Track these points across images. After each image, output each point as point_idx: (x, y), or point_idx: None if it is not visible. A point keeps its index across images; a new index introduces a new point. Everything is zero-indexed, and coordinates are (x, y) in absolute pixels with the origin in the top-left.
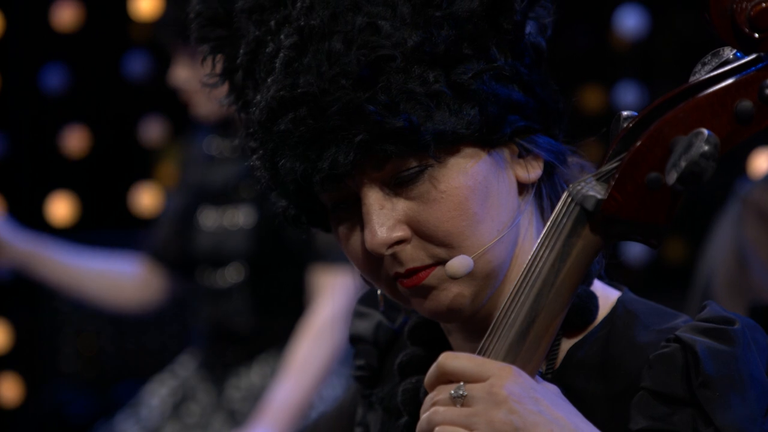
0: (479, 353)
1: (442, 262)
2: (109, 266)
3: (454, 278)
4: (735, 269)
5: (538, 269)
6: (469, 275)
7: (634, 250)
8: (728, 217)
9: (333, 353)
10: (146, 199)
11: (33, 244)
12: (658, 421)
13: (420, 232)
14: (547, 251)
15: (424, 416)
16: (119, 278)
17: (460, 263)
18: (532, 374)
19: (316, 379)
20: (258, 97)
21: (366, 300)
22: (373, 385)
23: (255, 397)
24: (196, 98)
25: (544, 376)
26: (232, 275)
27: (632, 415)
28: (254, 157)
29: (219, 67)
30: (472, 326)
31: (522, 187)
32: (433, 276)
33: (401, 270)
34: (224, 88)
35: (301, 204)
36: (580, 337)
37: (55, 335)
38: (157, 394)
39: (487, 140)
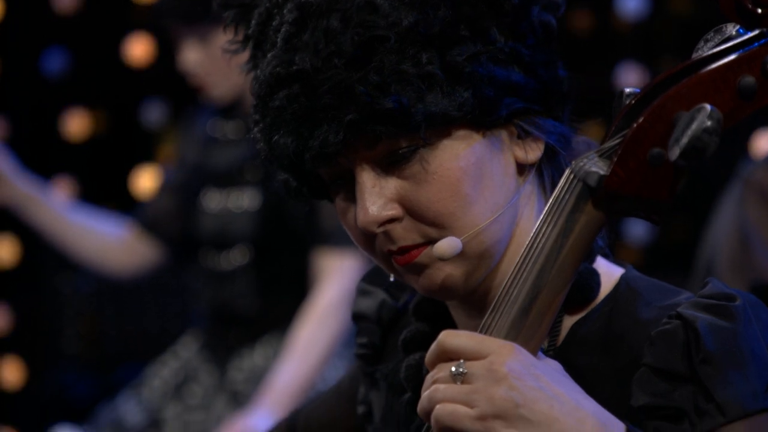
0: (481, 330)
1: (434, 241)
2: (98, 226)
3: (442, 259)
4: (737, 249)
5: (540, 245)
6: (461, 255)
7: (637, 231)
8: (731, 198)
9: (336, 336)
10: (147, 182)
11: (33, 188)
12: (659, 397)
13: (411, 212)
14: (550, 227)
15: (424, 394)
16: (105, 239)
17: (447, 245)
18: (533, 351)
19: (319, 362)
20: (258, 71)
21: (370, 278)
22: (375, 363)
23: (258, 379)
24: (209, 80)
25: (546, 353)
26: (236, 258)
27: (633, 391)
28: (255, 129)
29: (241, 35)
30: (473, 303)
31: (522, 168)
32: (425, 255)
33: (393, 248)
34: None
35: (300, 177)
36: (582, 314)
37: (56, 318)
38: (159, 375)
39: (481, 122)
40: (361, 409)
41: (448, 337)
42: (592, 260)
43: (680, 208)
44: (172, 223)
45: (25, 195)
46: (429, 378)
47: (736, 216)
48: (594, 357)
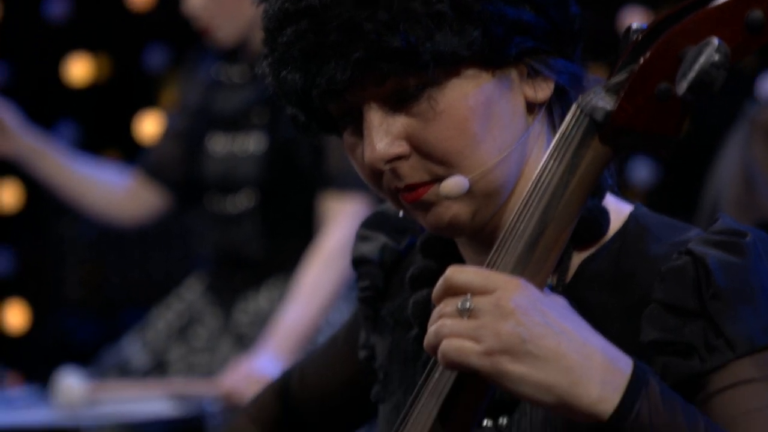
0: (487, 266)
1: (441, 179)
2: (102, 176)
3: (448, 198)
4: (742, 189)
5: (546, 181)
6: (469, 194)
7: (641, 173)
8: (736, 138)
9: (342, 278)
10: (150, 127)
11: (38, 140)
12: (669, 333)
13: (419, 150)
14: (556, 163)
15: (431, 329)
16: (110, 189)
17: (454, 183)
18: (540, 287)
19: (325, 304)
20: (268, 4)
21: (370, 224)
22: (379, 304)
23: (263, 322)
24: (214, 23)
25: (555, 290)
26: (242, 201)
27: (643, 327)
28: (264, 63)
29: None
30: (482, 240)
31: (532, 108)
32: (432, 192)
33: (400, 185)
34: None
35: (308, 113)
36: (591, 251)
37: (59, 263)
38: (164, 317)
39: (490, 61)
40: (362, 354)
41: (455, 273)
42: (601, 197)
43: (685, 149)
44: (176, 168)
45: (29, 146)
46: (435, 313)
47: (742, 156)
48: (603, 293)
